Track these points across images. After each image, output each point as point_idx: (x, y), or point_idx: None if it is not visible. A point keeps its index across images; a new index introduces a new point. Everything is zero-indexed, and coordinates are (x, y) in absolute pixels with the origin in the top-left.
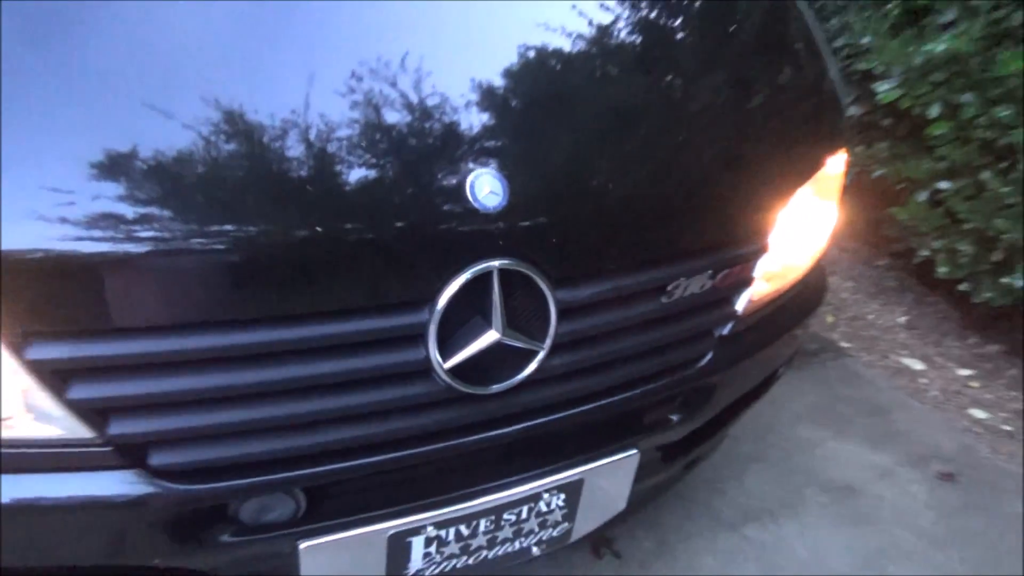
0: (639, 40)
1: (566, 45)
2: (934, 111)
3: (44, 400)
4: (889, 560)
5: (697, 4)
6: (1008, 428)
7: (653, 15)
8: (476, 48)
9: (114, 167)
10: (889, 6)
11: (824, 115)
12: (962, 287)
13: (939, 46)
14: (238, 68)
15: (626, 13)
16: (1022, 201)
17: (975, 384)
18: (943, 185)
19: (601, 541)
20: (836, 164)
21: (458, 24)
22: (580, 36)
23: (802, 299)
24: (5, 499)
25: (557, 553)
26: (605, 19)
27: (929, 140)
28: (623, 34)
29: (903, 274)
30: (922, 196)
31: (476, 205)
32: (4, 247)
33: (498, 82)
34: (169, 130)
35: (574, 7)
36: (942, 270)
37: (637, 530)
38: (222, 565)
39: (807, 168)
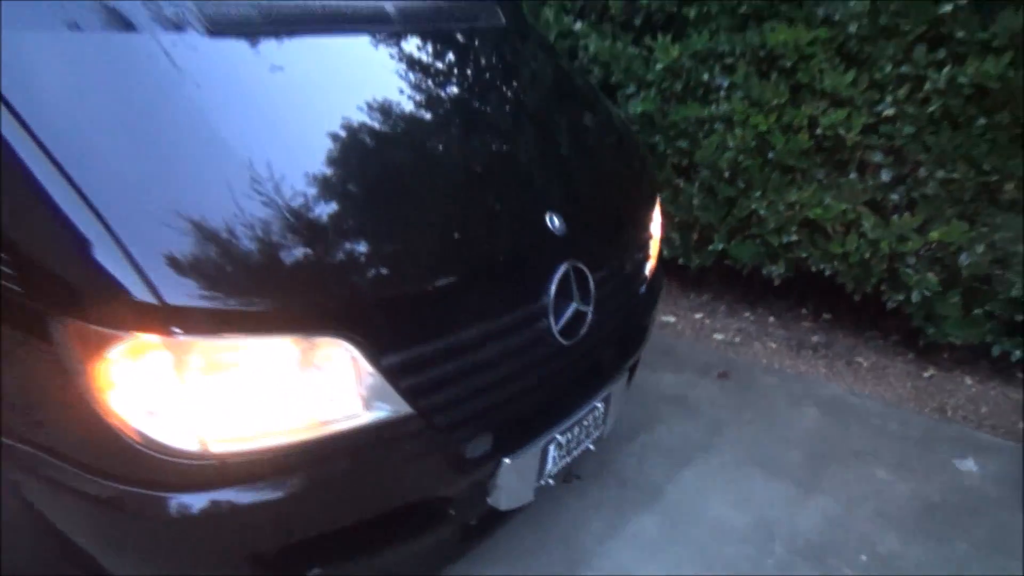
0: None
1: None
2: None
3: (387, 392)
4: (717, 420)
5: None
6: (737, 340)
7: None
8: (538, 148)
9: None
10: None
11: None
12: (680, 262)
13: (634, 109)
14: (421, 172)
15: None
16: (703, 199)
17: (708, 321)
18: None
19: (568, 475)
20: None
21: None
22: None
23: (656, 270)
24: (348, 467)
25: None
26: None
27: None
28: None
29: None
30: None
31: (554, 231)
32: (373, 306)
33: (555, 166)
34: (435, 222)
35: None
36: (664, 252)
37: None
38: (463, 487)
39: (653, 200)
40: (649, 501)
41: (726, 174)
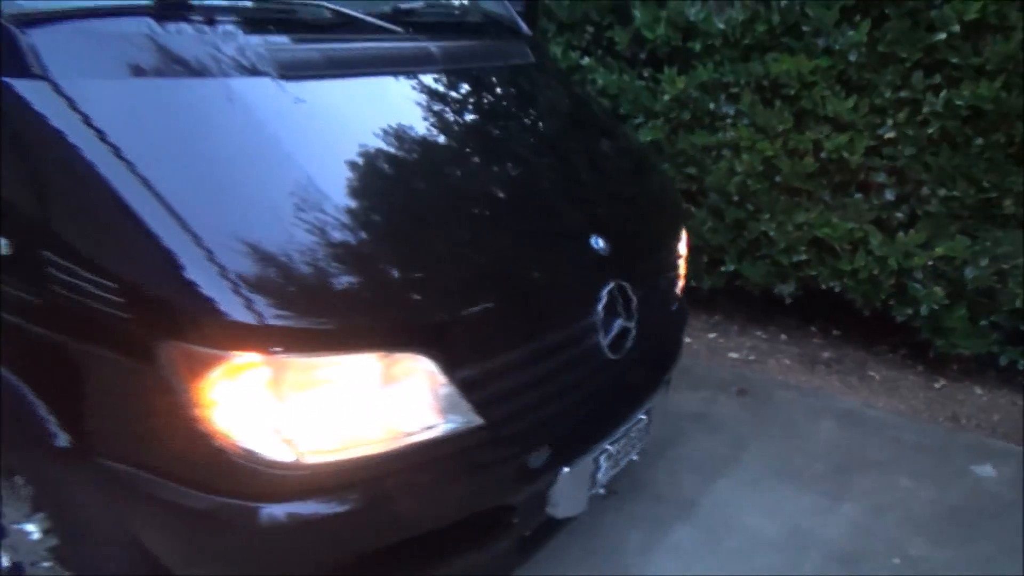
0: None
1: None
2: None
3: (459, 404)
4: (740, 435)
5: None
6: (752, 358)
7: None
8: (578, 175)
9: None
10: None
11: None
12: (692, 283)
13: (643, 138)
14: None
15: None
16: (713, 222)
17: (721, 340)
18: None
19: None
20: None
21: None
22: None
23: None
24: (424, 477)
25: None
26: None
27: None
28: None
29: None
30: None
31: (600, 252)
32: (446, 323)
33: (594, 191)
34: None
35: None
36: None
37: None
38: (525, 495)
39: (681, 222)
40: (684, 513)
41: (735, 198)
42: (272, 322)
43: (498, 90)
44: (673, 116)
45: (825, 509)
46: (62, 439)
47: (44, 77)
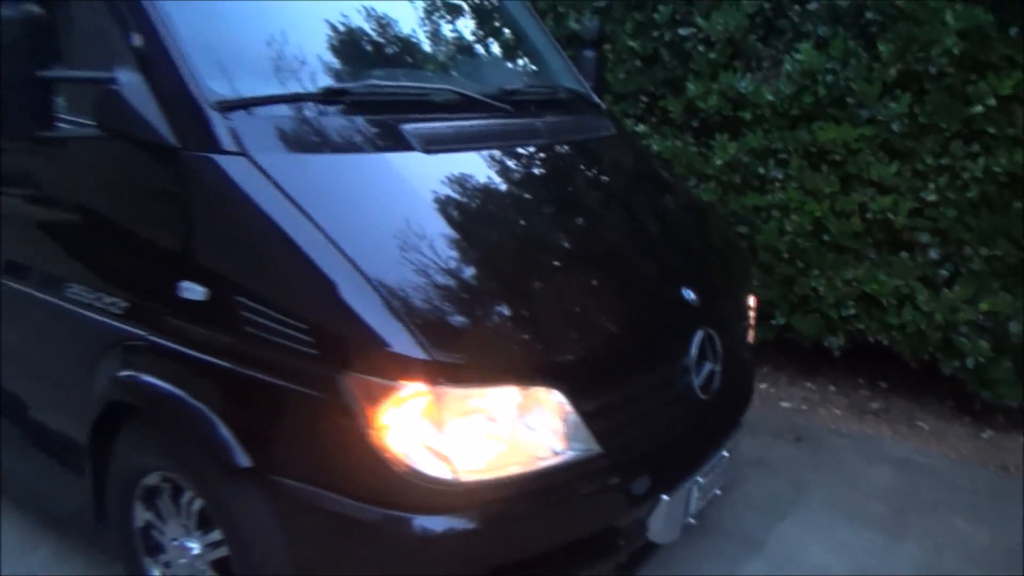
0: None
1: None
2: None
3: (583, 433)
4: (799, 478)
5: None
6: (803, 407)
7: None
8: (666, 232)
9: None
10: None
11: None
12: None
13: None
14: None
15: None
16: (763, 278)
17: (772, 390)
18: None
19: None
20: None
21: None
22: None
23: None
24: (551, 498)
25: None
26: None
27: None
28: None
29: None
30: None
31: (691, 302)
32: (575, 360)
33: (680, 247)
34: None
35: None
36: None
37: None
38: (631, 520)
39: (750, 275)
40: (753, 550)
41: (785, 255)
42: (438, 358)
43: (594, 158)
44: (724, 179)
45: (888, 548)
46: (243, 459)
47: (243, 153)
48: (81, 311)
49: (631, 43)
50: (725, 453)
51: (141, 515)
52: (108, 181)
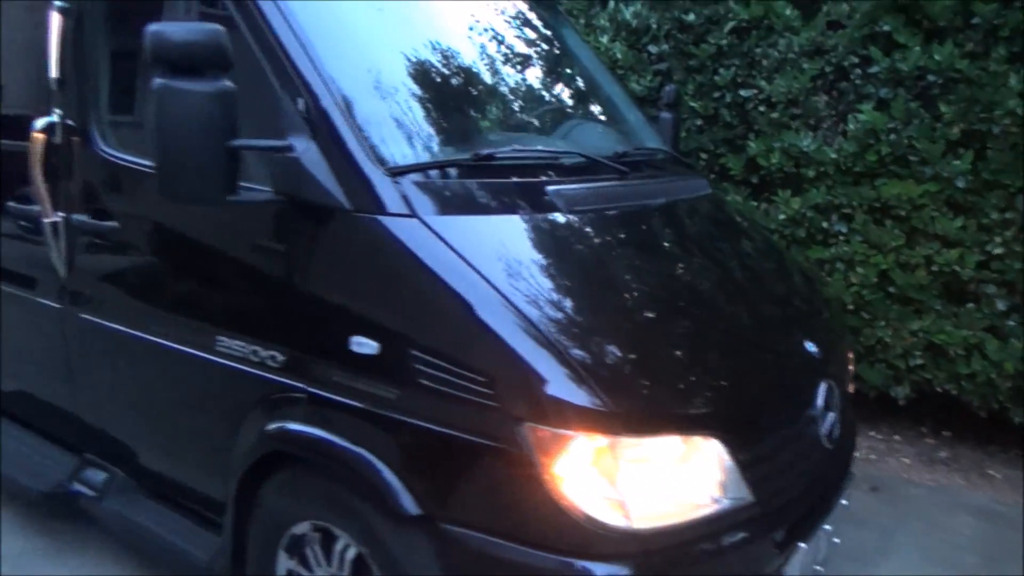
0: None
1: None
2: None
3: (738, 482)
4: (884, 528)
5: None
6: (873, 457)
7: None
8: (783, 288)
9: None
10: None
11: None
12: None
13: None
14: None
15: None
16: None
17: None
18: None
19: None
20: None
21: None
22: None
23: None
24: (709, 545)
25: None
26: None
27: None
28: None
29: None
30: None
31: (814, 355)
32: (729, 412)
33: (795, 301)
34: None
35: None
36: None
37: None
38: (773, 567)
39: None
40: None
41: (851, 307)
42: (613, 409)
43: (703, 216)
44: (788, 233)
45: None
46: (412, 506)
47: (413, 215)
48: (233, 364)
49: (692, 104)
50: (844, 501)
51: (284, 563)
52: (280, 242)
